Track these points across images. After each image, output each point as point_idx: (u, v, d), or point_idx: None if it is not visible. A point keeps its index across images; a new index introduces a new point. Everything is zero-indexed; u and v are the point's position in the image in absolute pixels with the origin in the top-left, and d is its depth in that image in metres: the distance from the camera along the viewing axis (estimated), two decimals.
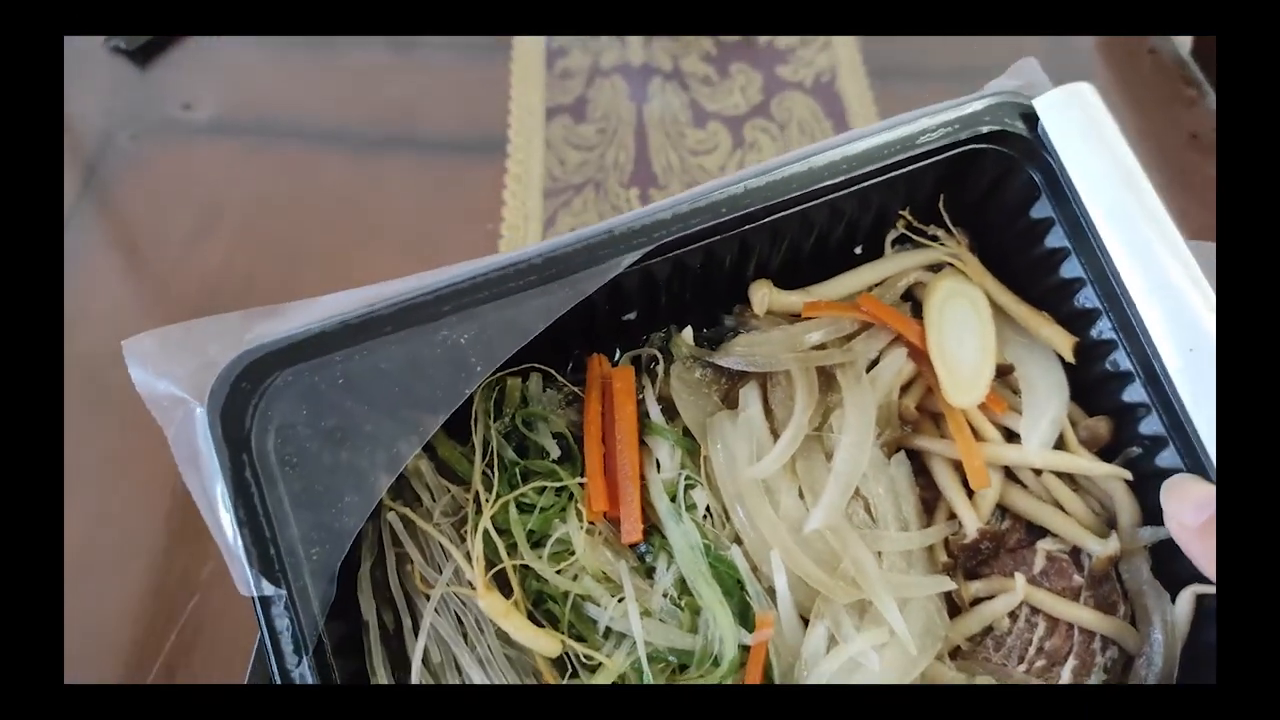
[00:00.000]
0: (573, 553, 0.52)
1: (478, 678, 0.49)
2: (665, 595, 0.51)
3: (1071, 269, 0.56)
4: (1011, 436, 0.56)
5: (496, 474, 0.53)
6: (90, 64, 1.11)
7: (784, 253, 0.59)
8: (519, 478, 0.54)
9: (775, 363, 0.56)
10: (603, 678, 0.49)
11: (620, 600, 0.51)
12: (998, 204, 0.59)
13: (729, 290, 0.60)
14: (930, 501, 0.57)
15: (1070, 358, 0.56)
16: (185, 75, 1.11)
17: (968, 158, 0.56)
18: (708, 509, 0.53)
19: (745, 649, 0.50)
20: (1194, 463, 0.51)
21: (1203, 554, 0.47)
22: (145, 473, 0.81)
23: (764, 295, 0.59)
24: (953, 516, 0.56)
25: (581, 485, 0.53)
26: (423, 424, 0.49)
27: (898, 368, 0.57)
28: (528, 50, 1.11)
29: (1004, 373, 0.57)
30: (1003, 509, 0.56)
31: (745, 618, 0.51)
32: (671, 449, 0.54)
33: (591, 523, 0.53)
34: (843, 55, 1.10)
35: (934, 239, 0.60)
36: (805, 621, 0.52)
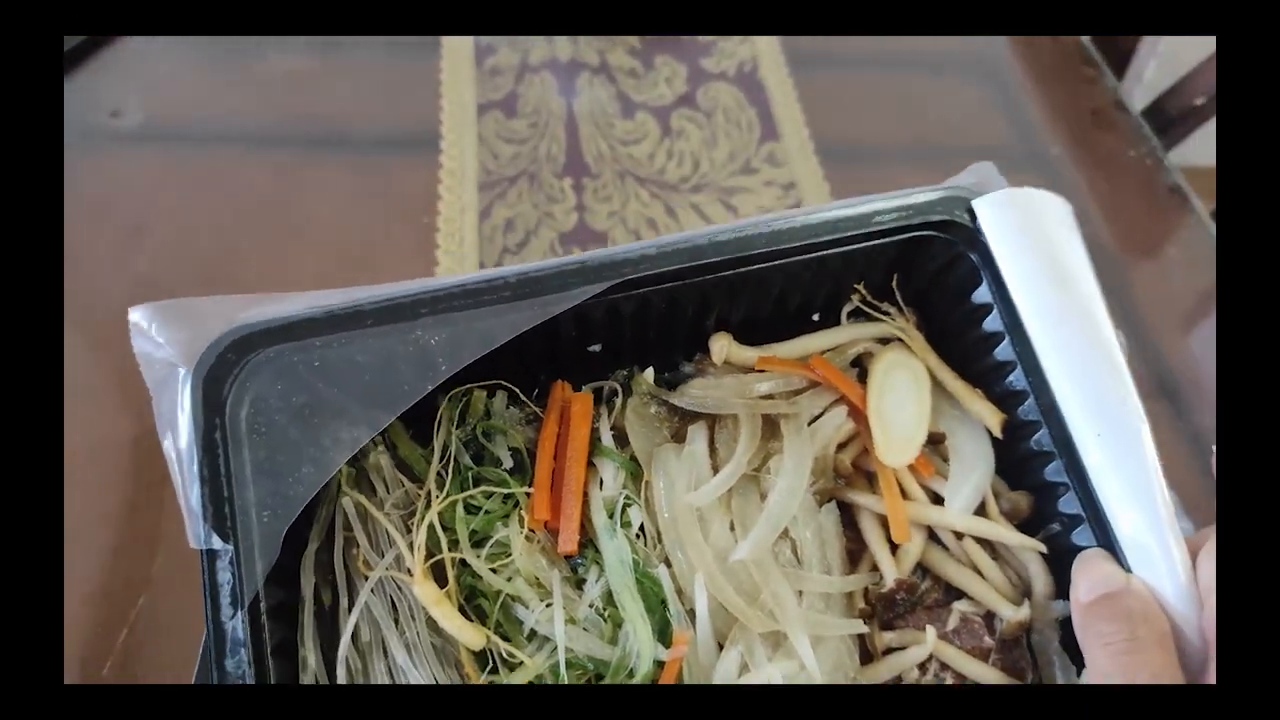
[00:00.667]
0: (510, 555, 0.54)
1: (401, 660, 0.51)
2: (591, 606, 0.54)
3: (1005, 352, 0.60)
4: (938, 501, 0.60)
5: (450, 475, 0.57)
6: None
7: (744, 310, 0.64)
8: (471, 482, 0.57)
9: (724, 406, 0.60)
10: (520, 676, 0.52)
11: (548, 605, 0.53)
12: (944, 287, 0.63)
13: (690, 339, 0.65)
14: (855, 554, 0.59)
15: (998, 433, 0.60)
16: (114, 80, 1.10)
17: (918, 242, 0.62)
18: (641, 529, 0.56)
19: (660, 665, 0.53)
20: (1105, 540, 0.54)
21: (1085, 633, 0.49)
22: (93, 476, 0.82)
23: (723, 346, 0.63)
24: (875, 569, 0.58)
25: (528, 495, 0.57)
26: (385, 413, 0.53)
27: (838, 424, 0.61)
28: (456, 49, 1.14)
29: (936, 440, 0.61)
30: (924, 569, 0.59)
31: (664, 636, 0.53)
32: (616, 470, 0.57)
33: (532, 530, 0.56)
34: (763, 47, 1.17)
35: (886, 314, 0.65)
36: (721, 648, 0.54)
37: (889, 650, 0.57)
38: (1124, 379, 0.55)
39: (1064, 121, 1.14)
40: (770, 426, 0.60)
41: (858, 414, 0.61)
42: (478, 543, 0.55)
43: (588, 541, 0.56)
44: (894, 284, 0.65)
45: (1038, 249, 0.58)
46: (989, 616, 0.58)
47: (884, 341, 0.65)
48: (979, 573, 0.58)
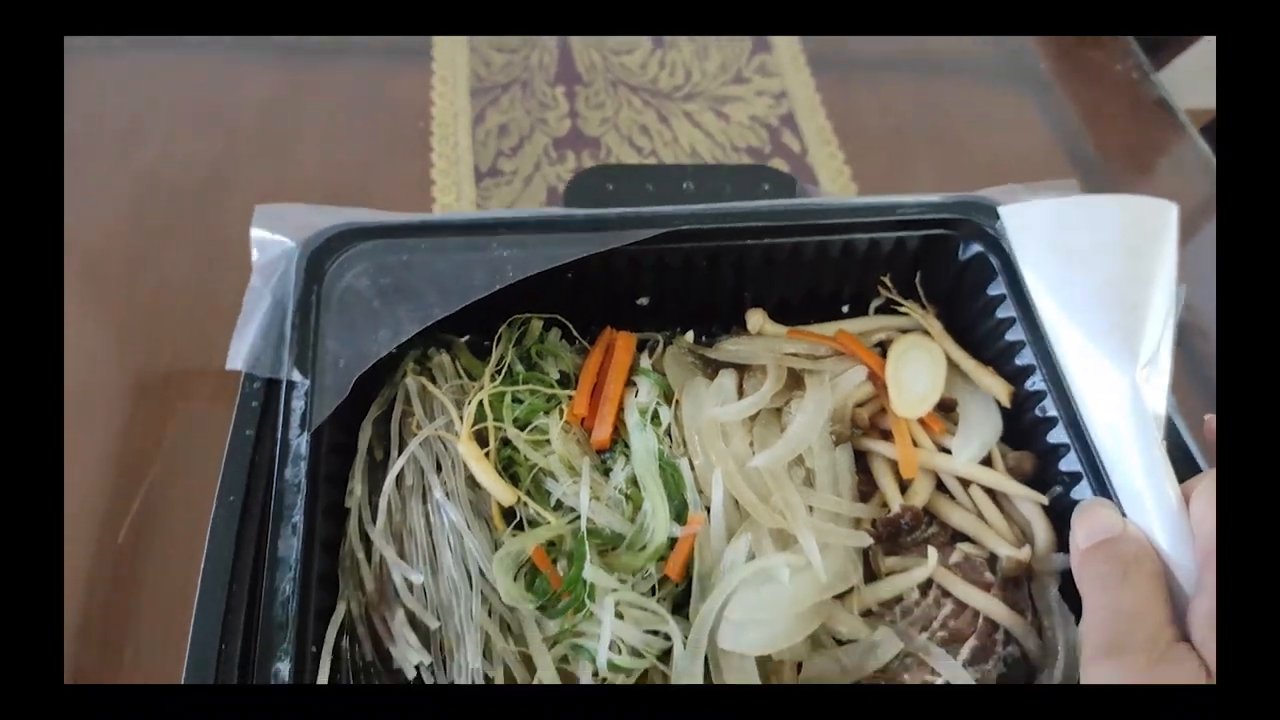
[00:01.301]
0: (548, 441, 0.60)
1: (439, 496, 0.56)
2: (616, 488, 0.59)
3: (1015, 333, 0.66)
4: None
5: (503, 378, 0.63)
6: None
7: (779, 293, 0.72)
8: (521, 383, 0.63)
9: (754, 358, 0.66)
10: (544, 534, 0.55)
11: (575, 482, 0.58)
12: (964, 282, 0.70)
13: (728, 312, 0.72)
14: (866, 495, 0.63)
15: (1006, 403, 0.65)
16: None
17: (941, 240, 0.70)
18: (668, 433, 0.61)
19: (673, 542, 0.56)
20: (1102, 491, 0.58)
21: (1082, 575, 0.51)
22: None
23: (759, 320, 0.71)
24: (884, 507, 0.62)
25: (570, 397, 0.63)
26: (457, 300, 0.61)
27: (857, 381, 0.66)
28: None
29: (947, 407, 0.66)
30: (930, 515, 0.62)
31: (680, 521, 0.57)
32: (651, 386, 0.63)
33: (569, 424, 0.61)
34: None
35: (906, 313, 0.72)
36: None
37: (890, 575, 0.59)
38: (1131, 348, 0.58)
39: (1053, 37, 1.17)
40: (795, 379, 0.66)
41: (876, 380, 0.67)
42: (520, 427, 0.61)
43: (617, 440, 0.61)
44: (917, 280, 0.72)
45: (1050, 249, 0.64)
46: (991, 559, 0.60)
47: (904, 332, 0.71)
48: (983, 519, 0.61)
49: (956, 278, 0.71)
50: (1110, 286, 0.58)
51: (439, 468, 0.58)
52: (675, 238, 0.66)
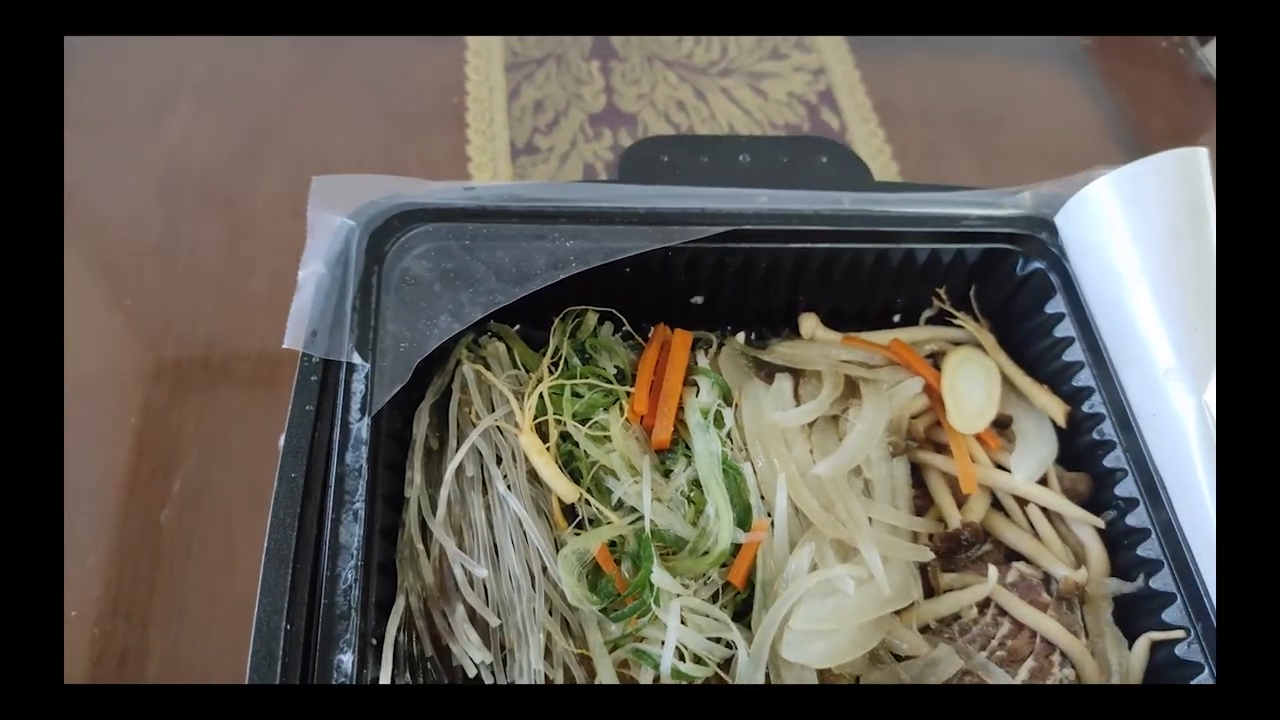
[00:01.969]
0: (609, 438, 0.58)
1: (501, 490, 0.54)
2: (678, 490, 0.57)
3: (1073, 354, 0.66)
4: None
5: (559, 371, 0.62)
6: None
7: (834, 300, 0.71)
8: (578, 377, 0.62)
9: (809, 363, 0.65)
10: (606, 534, 0.54)
11: (636, 482, 0.57)
12: (1020, 298, 0.70)
13: (782, 316, 0.71)
14: (922, 509, 0.62)
15: (1062, 423, 0.64)
16: None
17: (1001, 254, 0.69)
18: (729, 435, 0.60)
19: (737, 548, 0.55)
20: (1163, 520, 0.58)
21: None
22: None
23: (812, 324, 0.70)
24: (940, 521, 0.61)
25: (628, 394, 0.61)
26: (519, 288, 0.59)
27: (913, 392, 0.65)
28: None
29: (1003, 424, 0.65)
30: (986, 533, 0.62)
31: (743, 525, 0.56)
32: (711, 385, 0.62)
33: (628, 421, 0.60)
34: None
35: (960, 326, 0.71)
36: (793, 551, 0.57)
37: (948, 591, 0.59)
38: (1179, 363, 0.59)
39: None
40: (850, 387, 0.65)
41: (931, 393, 0.66)
42: (580, 422, 0.59)
43: (678, 440, 0.60)
44: (971, 293, 0.72)
45: (1106, 253, 0.63)
46: (1046, 579, 0.60)
47: (956, 344, 0.70)
48: (1039, 539, 0.61)
49: (1012, 293, 0.71)
50: (1165, 269, 0.60)
51: (498, 459, 0.56)
52: (737, 237, 0.65)
